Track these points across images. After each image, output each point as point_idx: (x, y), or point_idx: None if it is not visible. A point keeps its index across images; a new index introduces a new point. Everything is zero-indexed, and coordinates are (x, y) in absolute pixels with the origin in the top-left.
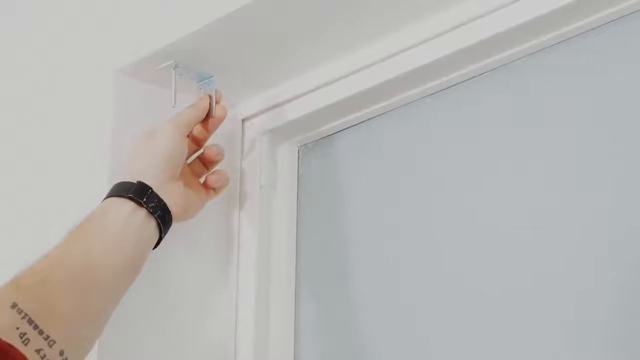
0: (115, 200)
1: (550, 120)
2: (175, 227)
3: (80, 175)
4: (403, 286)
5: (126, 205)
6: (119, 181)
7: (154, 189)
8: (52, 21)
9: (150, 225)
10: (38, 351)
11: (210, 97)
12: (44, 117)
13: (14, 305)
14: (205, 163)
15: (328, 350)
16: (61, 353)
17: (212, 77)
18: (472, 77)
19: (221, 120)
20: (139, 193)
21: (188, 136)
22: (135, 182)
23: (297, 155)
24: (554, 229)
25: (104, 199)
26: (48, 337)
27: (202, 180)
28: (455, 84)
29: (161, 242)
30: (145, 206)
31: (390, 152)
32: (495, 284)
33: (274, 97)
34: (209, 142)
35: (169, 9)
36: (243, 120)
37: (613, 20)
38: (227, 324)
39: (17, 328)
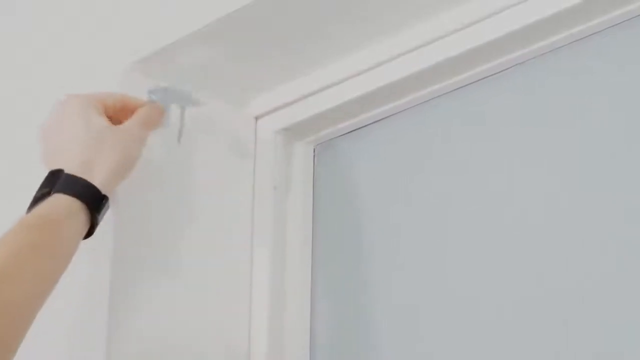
0: (79, 208)
1: (562, 121)
2: (187, 239)
3: None
4: (419, 287)
5: (82, 217)
6: (81, 176)
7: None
8: (53, 21)
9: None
10: None
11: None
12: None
13: None
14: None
15: (344, 353)
16: None
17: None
18: (490, 75)
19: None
20: (102, 211)
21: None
22: (103, 194)
23: (312, 154)
24: (567, 230)
25: (60, 188)
26: None
27: None
28: (472, 82)
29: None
30: (96, 223)
31: (408, 151)
32: (510, 284)
33: (288, 94)
34: None
35: (176, 5)
36: (256, 118)
37: (625, 21)
38: (241, 330)
39: None
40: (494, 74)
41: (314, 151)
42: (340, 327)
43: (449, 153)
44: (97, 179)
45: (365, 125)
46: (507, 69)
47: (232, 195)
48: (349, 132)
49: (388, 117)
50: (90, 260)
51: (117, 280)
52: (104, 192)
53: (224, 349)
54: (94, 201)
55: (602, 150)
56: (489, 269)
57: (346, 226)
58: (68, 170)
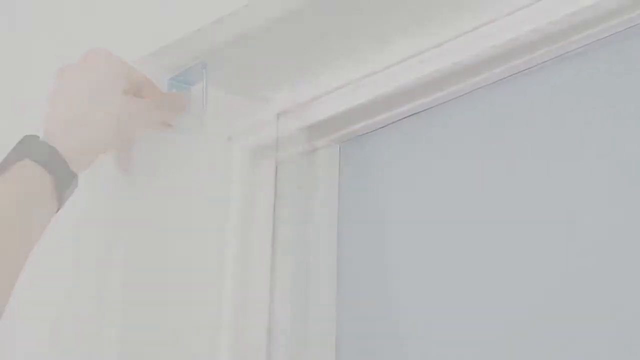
0: (46, 186)
1: (581, 125)
2: (207, 238)
3: (91, 175)
4: (448, 288)
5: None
6: (70, 149)
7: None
8: (52, 21)
9: None
10: None
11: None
12: None
13: None
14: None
15: (370, 355)
16: None
17: (188, 87)
18: (522, 71)
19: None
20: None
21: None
22: (75, 173)
23: (338, 153)
24: (568, 230)
25: (34, 157)
26: None
27: None
28: (500, 80)
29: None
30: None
31: (435, 149)
32: (530, 281)
33: (312, 90)
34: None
35: None
36: (278, 115)
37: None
38: (260, 330)
39: None
40: (527, 68)
41: (340, 149)
42: (366, 327)
43: (477, 151)
44: (81, 153)
45: (392, 123)
46: (540, 63)
47: (255, 195)
48: (375, 130)
49: (415, 114)
50: (102, 257)
51: (131, 277)
52: (81, 150)
53: (243, 348)
54: (66, 178)
55: (610, 154)
56: (516, 267)
57: (372, 225)
58: (54, 118)
